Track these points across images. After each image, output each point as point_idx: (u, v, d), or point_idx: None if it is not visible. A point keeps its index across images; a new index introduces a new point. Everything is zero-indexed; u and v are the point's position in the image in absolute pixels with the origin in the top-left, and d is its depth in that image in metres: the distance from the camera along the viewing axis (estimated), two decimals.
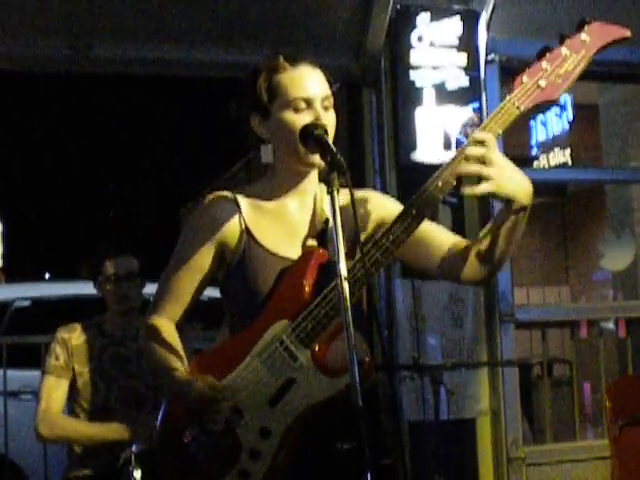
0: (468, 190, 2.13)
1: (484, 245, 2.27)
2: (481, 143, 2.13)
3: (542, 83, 2.16)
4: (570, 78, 2.17)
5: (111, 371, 3.56)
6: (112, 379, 3.55)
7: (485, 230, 2.28)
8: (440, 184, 2.14)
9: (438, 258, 2.32)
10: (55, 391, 3.52)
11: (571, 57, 2.18)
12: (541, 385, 6.95)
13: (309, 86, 2.23)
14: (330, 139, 2.19)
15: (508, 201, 2.16)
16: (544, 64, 2.18)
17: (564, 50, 2.18)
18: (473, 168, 2.12)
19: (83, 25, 4.27)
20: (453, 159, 2.15)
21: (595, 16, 2.23)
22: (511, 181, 2.14)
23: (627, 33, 2.19)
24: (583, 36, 2.18)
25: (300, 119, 2.21)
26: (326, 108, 2.25)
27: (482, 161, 2.12)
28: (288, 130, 2.22)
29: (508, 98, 2.16)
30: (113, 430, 3.41)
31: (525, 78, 2.17)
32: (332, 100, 2.27)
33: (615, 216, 8.30)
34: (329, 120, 2.24)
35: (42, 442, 3.69)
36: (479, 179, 2.13)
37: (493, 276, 2.35)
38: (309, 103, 2.22)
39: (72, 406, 3.56)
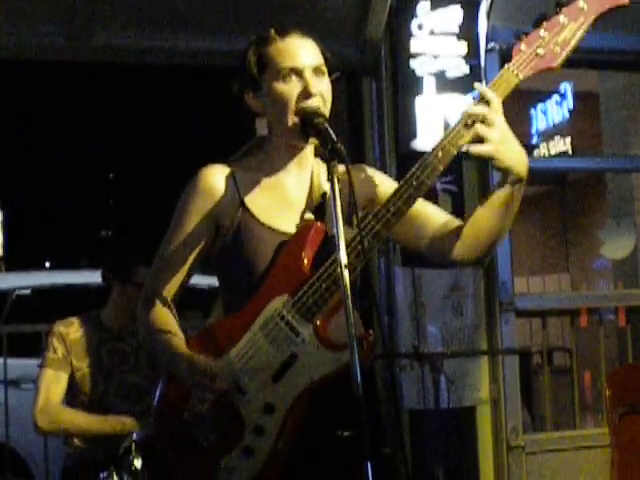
0: (468, 148, 2.12)
1: (479, 222, 2.23)
2: (486, 102, 2.12)
3: (540, 51, 2.16)
4: (568, 46, 2.16)
5: (109, 365, 3.53)
6: (110, 373, 3.52)
7: (480, 207, 2.24)
8: (440, 154, 2.12)
9: (429, 237, 2.29)
10: (54, 384, 3.49)
11: (569, 25, 2.17)
12: (541, 373, 6.94)
13: (297, 56, 2.22)
14: (327, 110, 2.19)
15: (505, 172, 2.15)
16: (542, 32, 2.17)
17: (562, 18, 2.17)
18: (475, 130, 2.11)
19: (81, 13, 4.25)
20: (454, 127, 2.14)
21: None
22: (510, 148, 2.13)
23: (625, 0, 2.17)
24: (581, 3, 2.17)
25: (289, 89, 2.20)
26: (319, 75, 2.23)
27: (484, 121, 2.11)
28: (278, 101, 2.21)
29: (507, 67, 2.16)
30: (111, 424, 3.40)
31: (523, 46, 2.17)
32: (325, 67, 2.25)
33: (615, 204, 8.31)
34: (321, 87, 2.22)
35: (40, 434, 3.67)
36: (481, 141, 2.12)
37: (487, 255, 2.30)
38: (298, 73, 2.21)
39: (70, 401, 3.54)
